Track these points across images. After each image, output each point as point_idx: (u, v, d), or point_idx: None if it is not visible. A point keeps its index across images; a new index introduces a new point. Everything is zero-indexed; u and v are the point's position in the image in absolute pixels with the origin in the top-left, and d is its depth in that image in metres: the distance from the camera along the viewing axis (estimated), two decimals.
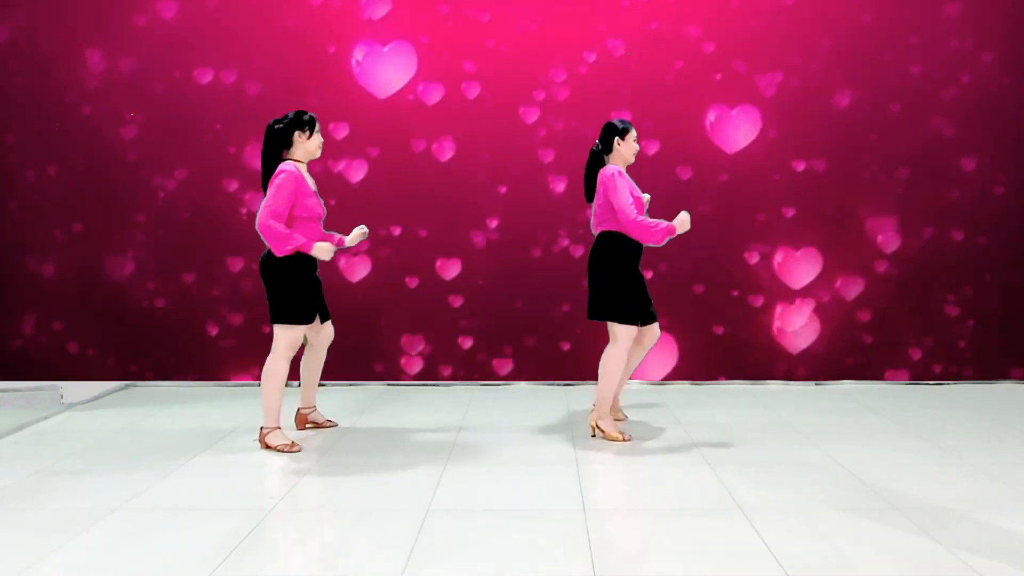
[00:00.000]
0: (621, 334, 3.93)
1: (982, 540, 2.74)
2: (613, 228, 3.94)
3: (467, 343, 5.38)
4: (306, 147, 3.89)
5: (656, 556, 2.66)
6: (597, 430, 4.05)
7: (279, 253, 3.74)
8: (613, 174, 3.91)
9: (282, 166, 3.80)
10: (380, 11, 5.23)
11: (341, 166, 5.29)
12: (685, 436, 4.09)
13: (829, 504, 3.10)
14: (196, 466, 3.66)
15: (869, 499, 3.15)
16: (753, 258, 5.32)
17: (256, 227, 3.74)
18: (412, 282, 5.35)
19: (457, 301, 5.35)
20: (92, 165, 5.28)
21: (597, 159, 4.07)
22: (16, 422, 4.42)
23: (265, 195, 3.78)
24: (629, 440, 4.00)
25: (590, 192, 4.09)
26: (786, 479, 3.40)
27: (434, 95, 5.27)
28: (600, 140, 4.06)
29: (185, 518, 3.01)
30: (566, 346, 5.37)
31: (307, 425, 4.30)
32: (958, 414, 4.54)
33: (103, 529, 2.90)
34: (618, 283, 3.93)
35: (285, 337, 3.85)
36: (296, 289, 3.83)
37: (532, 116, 5.29)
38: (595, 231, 4.06)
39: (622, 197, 3.86)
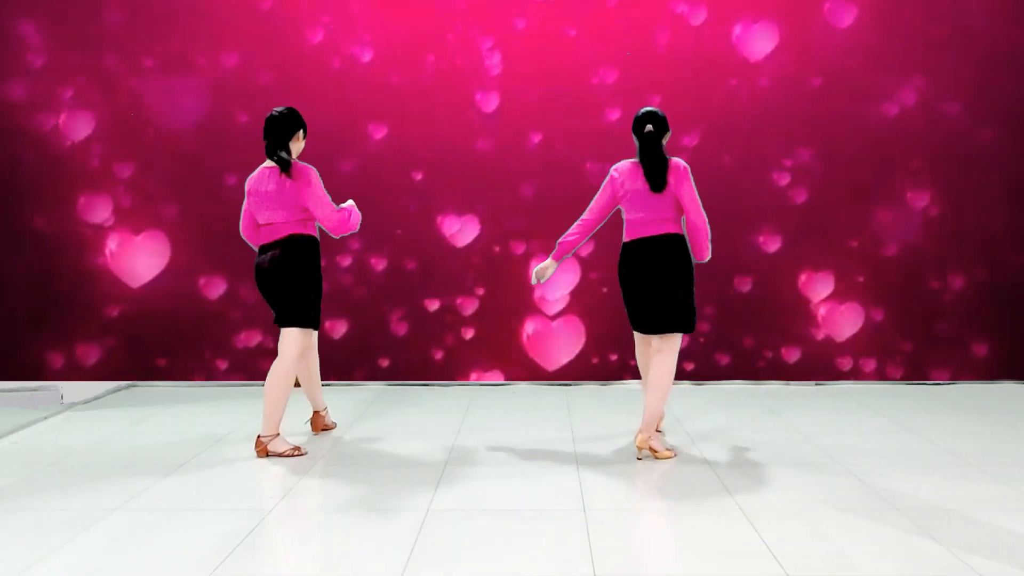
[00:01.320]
0: (680, 343, 3.76)
1: (982, 540, 2.74)
2: (678, 230, 3.69)
3: (467, 342, 5.37)
4: (299, 147, 3.86)
5: (656, 556, 2.66)
6: (647, 451, 3.66)
7: (356, 227, 3.84)
8: (688, 168, 3.67)
9: (301, 163, 3.73)
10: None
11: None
12: (685, 436, 4.09)
13: (829, 504, 3.10)
14: (196, 466, 3.65)
15: (869, 499, 3.15)
16: (753, 256, 5.32)
17: (331, 230, 3.75)
18: (411, 281, 5.35)
19: (457, 300, 5.35)
20: (91, 160, 5.30)
21: (658, 146, 3.67)
22: (16, 422, 4.42)
23: (308, 190, 3.69)
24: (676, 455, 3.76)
25: (662, 181, 3.63)
26: (786, 479, 3.40)
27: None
28: (656, 125, 3.68)
29: (185, 518, 3.01)
30: (567, 346, 5.36)
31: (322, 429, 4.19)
32: (958, 414, 4.54)
33: (103, 529, 2.90)
34: (692, 291, 3.70)
35: (300, 342, 3.75)
36: (319, 291, 3.81)
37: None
38: (662, 231, 3.65)
39: (696, 193, 3.66)
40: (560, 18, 5.25)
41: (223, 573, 2.53)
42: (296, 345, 3.75)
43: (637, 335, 3.90)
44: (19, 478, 3.49)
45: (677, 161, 3.71)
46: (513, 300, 5.34)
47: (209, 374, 5.38)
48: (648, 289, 3.67)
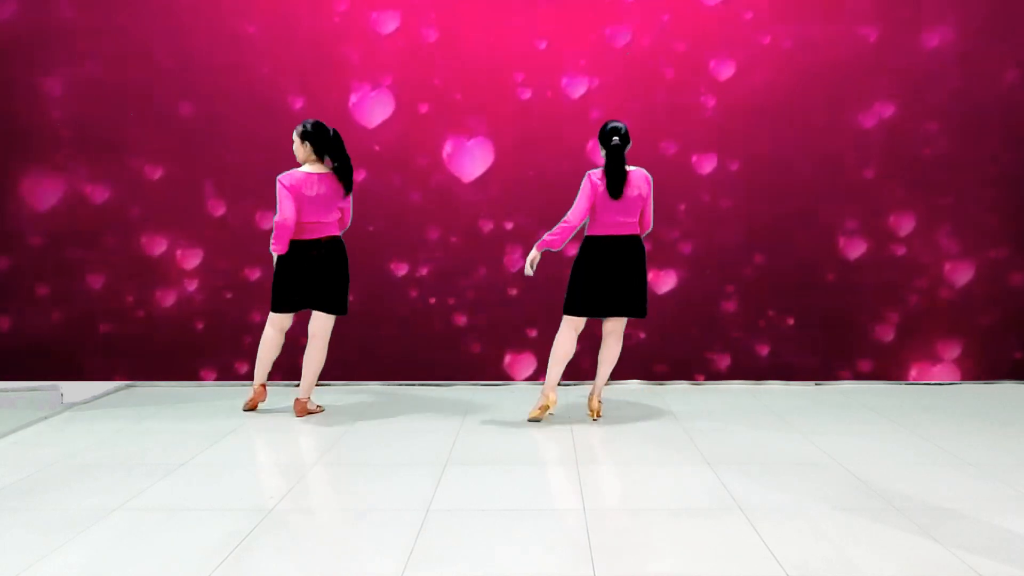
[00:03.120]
0: None
1: (982, 540, 2.74)
2: (639, 232, 4.26)
3: (467, 342, 5.37)
4: None
5: (656, 556, 2.67)
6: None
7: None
8: (651, 179, 4.25)
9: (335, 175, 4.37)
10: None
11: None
12: (685, 436, 4.09)
13: (829, 504, 3.10)
14: (197, 466, 3.66)
15: (869, 499, 3.15)
16: (749, 256, 5.31)
17: (344, 227, 4.46)
18: (409, 279, 5.35)
19: (454, 299, 5.35)
20: (95, 162, 5.30)
21: (622, 158, 4.14)
22: (16, 422, 4.42)
23: (350, 195, 4.41)
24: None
25: (621, 188, 4.12)
26: (786, 479, 3.40)
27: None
28: (621, 139, 4.13)
29: (185, 518, 3.01)
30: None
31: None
32: (958, 414, 4.54)
33: (103, 529, 2.90)
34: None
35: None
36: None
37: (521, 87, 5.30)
38: (627, 231, 4.20)
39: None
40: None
41: (223, 573, 2.53)
42: (331, 326, 4.50)
43: (574, 319, 4.29)
44: (19, 478, 3.49)
45: (644, 172, 4.22)
46: (513, 299, 5.34)
47: (209, 374, 5.38)
48: (616, 280, 4.19)
